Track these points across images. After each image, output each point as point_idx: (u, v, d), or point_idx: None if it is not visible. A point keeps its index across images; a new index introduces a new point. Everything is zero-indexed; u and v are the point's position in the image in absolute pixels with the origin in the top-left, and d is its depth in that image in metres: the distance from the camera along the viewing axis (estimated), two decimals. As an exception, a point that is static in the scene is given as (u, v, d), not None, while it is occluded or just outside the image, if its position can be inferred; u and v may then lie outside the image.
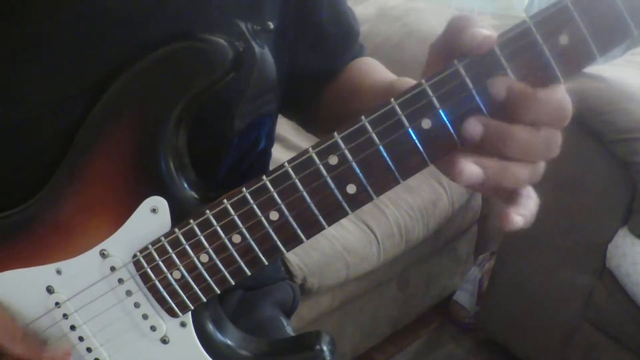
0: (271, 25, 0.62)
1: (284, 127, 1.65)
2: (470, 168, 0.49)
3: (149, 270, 0.60)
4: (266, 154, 0.77)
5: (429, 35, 1.84)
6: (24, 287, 0.64)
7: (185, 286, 0.60)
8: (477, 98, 0.48)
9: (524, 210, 0.51)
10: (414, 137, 0.50)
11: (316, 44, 0.77)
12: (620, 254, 1.51)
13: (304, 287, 1.52)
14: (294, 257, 1.51)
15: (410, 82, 0.63)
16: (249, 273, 0.58)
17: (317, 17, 0.76)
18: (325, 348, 0.63)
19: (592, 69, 1.51)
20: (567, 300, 1.68)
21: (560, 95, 0.48)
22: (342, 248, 1.59)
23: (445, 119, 0.49)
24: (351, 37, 0.81)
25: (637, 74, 1.55)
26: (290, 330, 0.83)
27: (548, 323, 1.75)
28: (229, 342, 0.64)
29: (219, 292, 0.60)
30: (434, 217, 1.79)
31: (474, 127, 0.48)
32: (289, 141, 1.77)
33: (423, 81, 0.49)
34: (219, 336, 0.64)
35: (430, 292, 2.04)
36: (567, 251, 1.63)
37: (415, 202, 1.75)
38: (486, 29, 0.47)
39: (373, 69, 0.80)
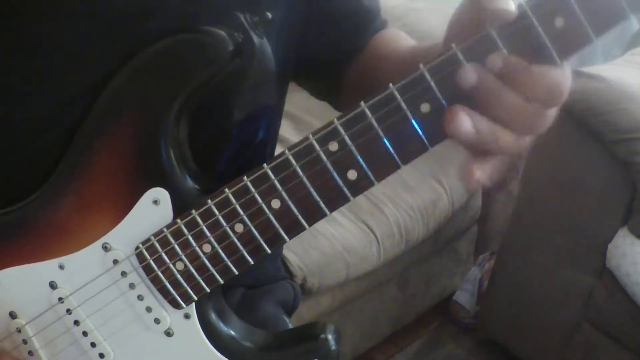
0: (270, 15, 0.62)
1: (284, 127, 1.65)
2: (464, 118, 0.49)
3: (151, 262, 0.60)
4: (266, 146, 0.77)
5: (429, 35, 1.84)
6: (27, 283, 0.64)
7: (188, 277, 0.60)
8: None
9: (487, 167, 0.51)
10: (414, 122, 0.51)
11: (330, 31, 0.77)
12: (620, 254, 1.51)
13: (304, 287, 1.52)
14: (294, 257, 1.51)
15: (432, 47, 0.64)
16: (252, 262, 0.58)
17: (328, 7, 0.76)
18: (330, 337, 0.63)
19: (592, 69, 1.51)
20: (567, 300, 1.68)
21: (555, 76, 0.48)
22: (342, 248, 1.59)
23: (444, 103, 0.49)
24: (368, 17, 0.81)
25: (637, 74, 1.55)
26: (291, 329, 0.83)
27: (548, 323, 1.75)
28: (233, 333, 0.64)
29: (222, 282, 0.60)
30: (434, 217, 1.79)
31: (470, 74, 0.48)
32: (289, 141, 1.77)
33: (421, 66, 0.49)
34: (223, 328, 0.64)
35: (430, 292, 2.04)
36: (567, 251, 1.63)
37: (415, 202, 1.75)
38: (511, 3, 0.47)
39: (393, 40, 0.80)
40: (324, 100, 0.87)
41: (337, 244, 1.59)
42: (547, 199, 1.67)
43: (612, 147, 1.46)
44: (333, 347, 0.62)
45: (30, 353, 0.66)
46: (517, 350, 1.86)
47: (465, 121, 0.49)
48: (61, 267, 0.63)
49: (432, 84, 0.49)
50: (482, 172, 0.51)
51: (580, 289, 1.64)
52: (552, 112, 0.51)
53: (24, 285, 0.64)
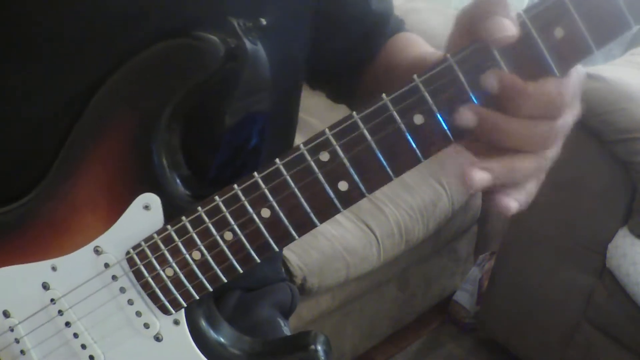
0: (264, 22, 0.61)
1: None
2: (479, 175, 0.48)
3: (142, 267, 0.60)
4: (258, 153, 0.77)
5: (429, 35, 1.84)
6: (20, 284, 0.64)
7: (178, 283, 0.60)
8: (470, 92, 0.48)
9: (519, 195, 0.51)
10: (406, 133, 0.50)
11: (340, 38, 0.77)
12: (620, 254, 1.51)
13: (303, 287, 1.52)
14: (294, 257, 1.51)
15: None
16: (241, 271, 0.58)
17: (336, 13, 0.76)
18: (319, 348, 0.62)
19: (592, 69, 1.51)
20: (567, 300, 1.68)
21: (555, 87, 0.47)
22: (342, 248, 1.59)
23: (437, 115, 0.49)
24: (379, 22, 0.80)
25: (637, 74, 1.55)
26: (287, 332, 0.83)
27: (548, 323, 1.74)
28: (222, 341, 0.64)
29: (211, 289, 0.60)
30: (434, 217, 1.79)
31: (466, 115, 0.48)
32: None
33: (415, 77, 0.49)
34: (212, 335, 0.64)
35: (430, 292, 2.04)
36: (567, 251, 1.63)
37: (415, 202, 1.75)
38: (512, 22, 0.46)
39: (408, 45, 0.79)
40: (340, 103, 0.86)
41: (337, 244, 1.59)
42: (546, 199, 1.66)
43: (612, 147, 1.46)
44: (322, 359, 0.62)
45: (22, 352, 0.66)
46: (517, 350, 1.86)
47: (480, 178, 0.48)
48: (54, 268, 0.63)
49: (426, 94, 0.48)
50: (516, 201, 0.50)
51: (580, 289, 1.64)
52: (566, 121, 0.49)
53: (18, 285, 0.64)
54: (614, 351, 1.61)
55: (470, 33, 0.48)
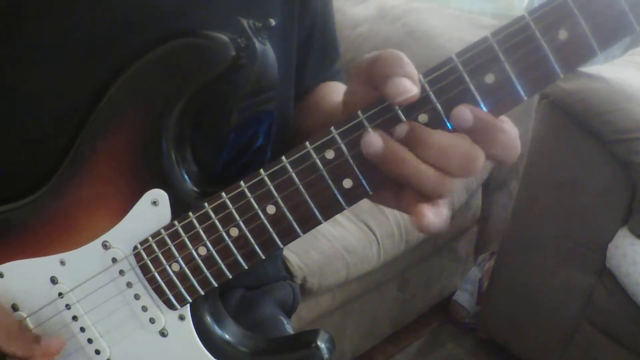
0: (273, 22, 0.62)
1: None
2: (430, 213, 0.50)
3: (148, 262, 0.60)
4: (266, 152, 0.78)
5: (429, 35, 1.85)
6: (29, 278, 0.65)
7: (183, 278, 0.60)
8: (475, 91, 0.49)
9: (439, 214, 0.52)
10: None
11: (303, 54, 0.78)
12: (620, 254, 1.51)
13: (304, 287, 1.52)
14: (294, 257, 1.51)
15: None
16: (246, 267, 0.59)
17: (310, 28, 0.78)
18: (322, 345, 0.63)
19: (592, 69, 1.51)
20: (567, 300, 1.68)
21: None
22: (342, 248, 1.59)
23: (442, 113, 0.50)
24: (331, 57, 0.82)
25: (637, 74, 1.55)
26: (290, 329, 0.83)
27: (548, 323, 1.75)
28: (227, 337, 0.65)
29: (216, 285, 0.60)
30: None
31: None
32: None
33: (421, 77, 0.49)
34: (217, 331, 0.64)
35: (430, 292, 2.05)
36: (567, 251, 1.63)
37: (416, 202, 1.75)
38: (413, 81, 0.48)
39: (333, 92, 0.81)
40: None
41: (337, 244, 1.59)
42: (547, 199, 1.67)
43: (612, 147, 1.46)
44: (325, 356, 0.62)
45: None
46: (517, 350, 1.87)
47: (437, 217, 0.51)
48: (62, 262, 0.63)
49: (431, 94, 0.49)
50: (435, 215, 0.51)
51: (580, 289, 1.64)
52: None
53: (26, 279, 0.65)
54: (614, 351, 1.61)
55: (370, 86, 0.51)
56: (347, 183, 0.53)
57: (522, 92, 0.48)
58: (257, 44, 0.61)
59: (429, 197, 0.51)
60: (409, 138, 0.49)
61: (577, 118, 1.48)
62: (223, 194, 0.57)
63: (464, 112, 0.48)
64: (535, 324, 1.78)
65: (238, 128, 0.69)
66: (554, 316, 1.73)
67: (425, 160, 0.49)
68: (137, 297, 0.62)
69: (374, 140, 0.50)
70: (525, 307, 1.79)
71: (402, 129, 0.50)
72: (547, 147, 1.62)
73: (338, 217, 1.65)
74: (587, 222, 1.59)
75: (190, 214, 0.58)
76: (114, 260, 0.62)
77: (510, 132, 0.49)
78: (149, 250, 0.60)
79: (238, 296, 0.82)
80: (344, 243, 1.60)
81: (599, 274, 1.59)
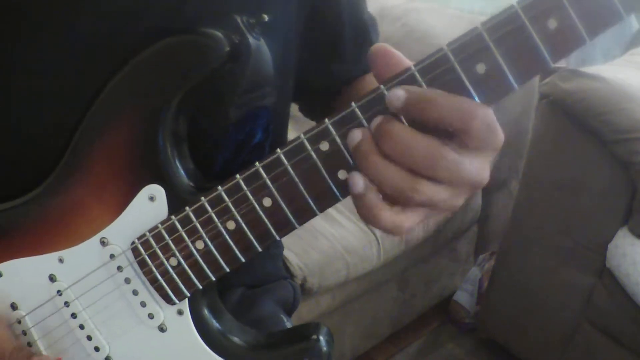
0: (266, 18, 0.62)
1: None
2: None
3: (146, 257, 0.60)
4: (264, 148, 0.78)
5: (429, 35, 1.85)
6: (28, 276, 0.65)
7: (181, 273, 0.60)
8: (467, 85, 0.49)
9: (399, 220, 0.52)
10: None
11: (331, 49, 0.78)
12: (620, 254, 1.51)
13: (304, 287, 1.52)
14: (294, 257, 1.51)
15: None
16: (243, 260, 0.59)
17: (334, 20, 0.77)
18: (321, 338, 0.63)
19: (592, 69, 1.51)
20: (567, 300, 1.68)
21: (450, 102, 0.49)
22: (342, 248, 1.60)
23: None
24: (369, 42, 0.81)
25: (637, 74, 1.55)
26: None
27: (548, 323, 1.74)
28: (226, 332, 0.65)
29: (214, 278, 0.60)
30: (434, 217, 1.79)
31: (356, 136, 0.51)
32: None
33: (412, 67, 0.50)
34: (216, 326, 0.64)
35: (430, 292, 2.04)
36: (567, 251, 1.63)
37: (416, 202, 1.75)
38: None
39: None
40: (310, 119, 0.87)
41: (337, 244, 1.59)
42: (547, 199, 1.67)
43: (612, 147, 1.46)
44: (324, 349, 0.63)
45: (29, 344, 0.67)
46: (517, 350, 1.87)
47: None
48: (61, 260, 0.64)
49: (424, 84, 0.50)
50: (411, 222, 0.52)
51: (580, 289, 1.64)
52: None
53: (25, 277, 0.65)
54: (614, 351, 1.61)
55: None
56: (342, 174, 0.53)
57: (512, 81, 0.48)
58: (251, 40, 0.61)
59: (393, 199, 0.51)
60: (377, 131, 0.49)
61: (577, 118, 1.48)
62: (219, 187, 0.57)
63: (396, 91, 0.49)
64: (535, 324, 1.78)
65: (235, 124, 0.69)
66: (554, 316, 1.73)
67: (390, 155, 0.49)
68: (135, 292, 0.62)
69: (354, 134, 0.50)
70: (525, 307, 1.79)
71: (375, 122, 0.50)
72: (547, 147, 1.62)
73: (338, 217, 1.65)
74: (587, 222, 1.59)
75: (187, 207, 0.59)
76: (112, 256, 0.62)
77: (475, 110, 0.48)
78: (146, 245, 0.60)
79: (238, 295, 0.82)
80: (344, 243, 1.60)
81: (599, 274, 1.59)
